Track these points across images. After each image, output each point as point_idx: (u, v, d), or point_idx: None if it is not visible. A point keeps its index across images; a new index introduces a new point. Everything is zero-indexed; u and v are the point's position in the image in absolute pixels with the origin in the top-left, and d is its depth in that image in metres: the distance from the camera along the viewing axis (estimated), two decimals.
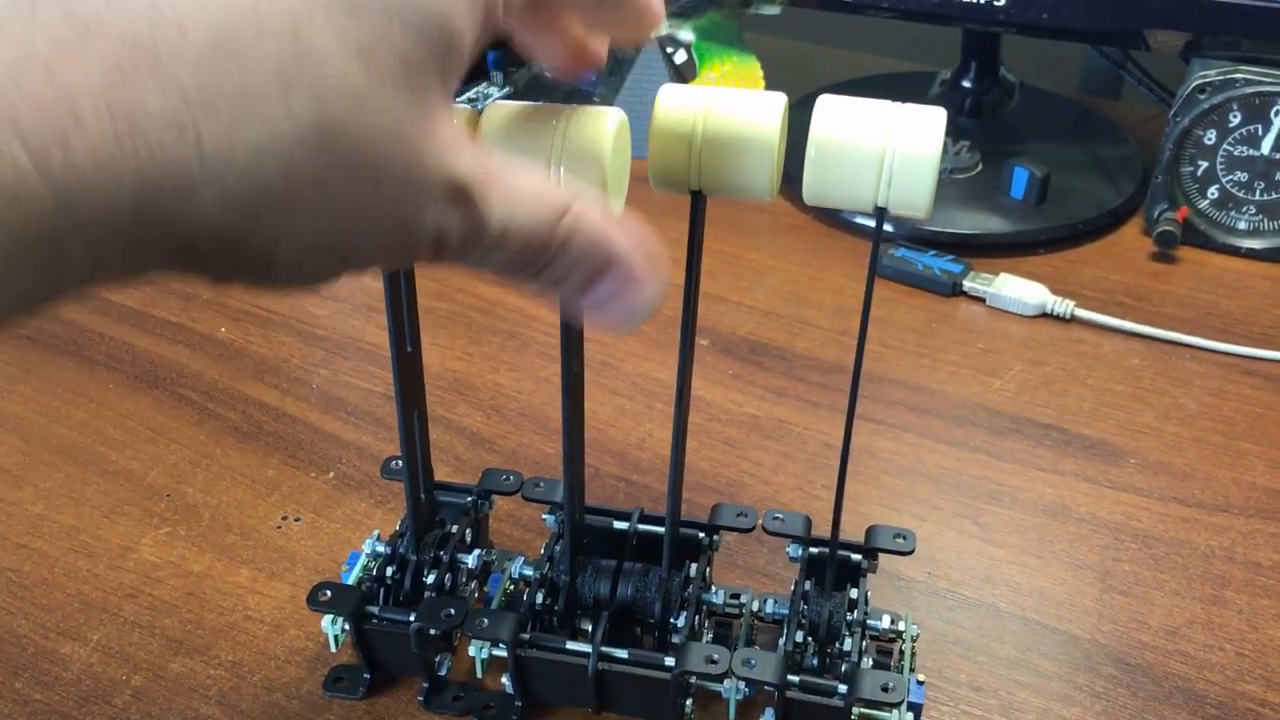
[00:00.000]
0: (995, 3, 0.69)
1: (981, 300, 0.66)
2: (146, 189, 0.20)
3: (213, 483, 0.53)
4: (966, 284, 0.67)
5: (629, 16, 0.28)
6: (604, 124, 0.30)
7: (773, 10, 0.81)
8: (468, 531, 0.46)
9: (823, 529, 0.43)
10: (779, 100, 0.31)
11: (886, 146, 0.30)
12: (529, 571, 0.45)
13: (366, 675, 0.44)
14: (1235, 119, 0.68)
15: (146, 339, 0.63)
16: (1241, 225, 0.70)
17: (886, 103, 0.31)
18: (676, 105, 0.31)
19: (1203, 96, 0.67)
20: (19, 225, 0.19)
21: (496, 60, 0.87)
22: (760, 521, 0.45)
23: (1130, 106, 0.91)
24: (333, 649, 0.45)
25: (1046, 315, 0.65)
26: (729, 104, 0.31)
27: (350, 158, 0.22)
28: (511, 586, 0.46)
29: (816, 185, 0.31)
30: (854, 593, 0.43)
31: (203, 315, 0.65)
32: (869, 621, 0.42)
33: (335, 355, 0.62)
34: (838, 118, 0.31)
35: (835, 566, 0.43)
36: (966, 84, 0.82)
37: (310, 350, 0.62)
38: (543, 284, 0.27)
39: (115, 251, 0.21)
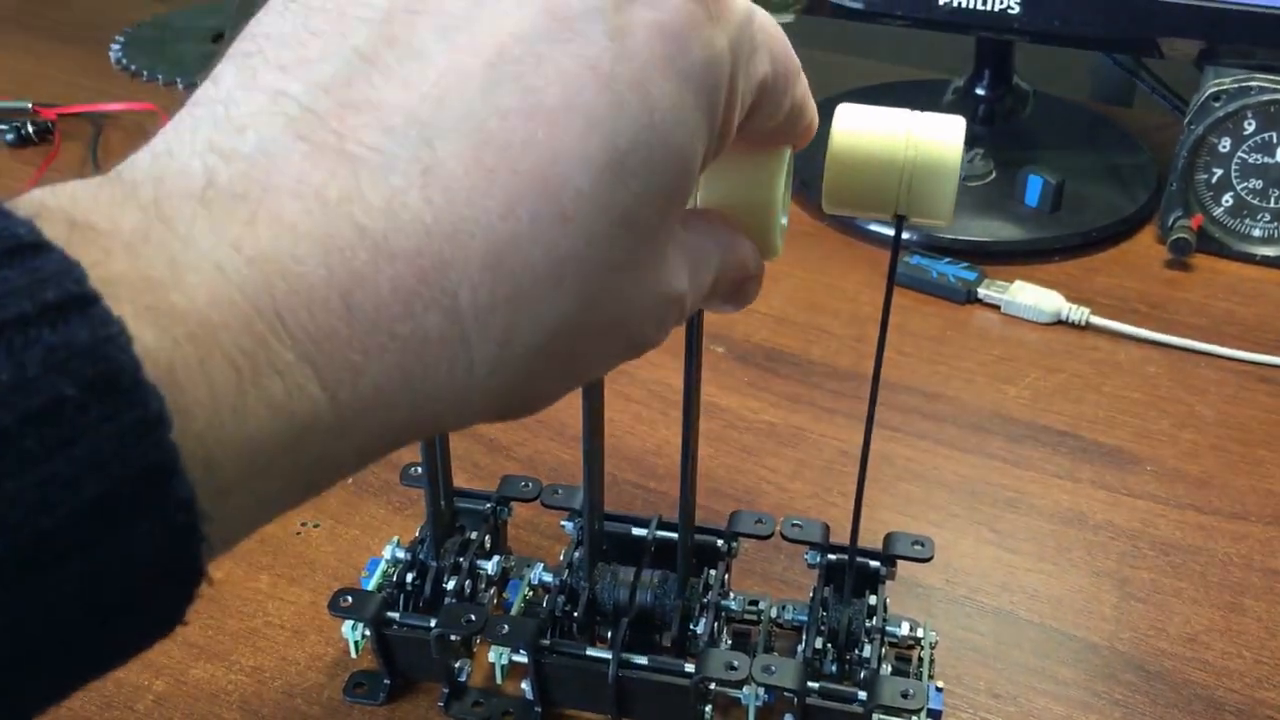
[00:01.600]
0: (1009, 10, 0.70)
1: (996, 308, 0.67)
2: (420, 406, 0.20)
3: None
4: (981, 291, 0.67)
5: (798, 133, 0.29)
6: (769, 165, 0.30)
7: (786, 19, 0.81)
8: (487, 538, 0.46)
9: (840, 535, 0.43)
10: (961, 124, 0.31)
11: (906, 154, 0.30)
12: (548, 578, 0.45)
13: (387, 681, 0.44)
14: (1250, 126, 0.68)
15: None
16: (1256, 233, 0.70)
17: (905, 111, 0.31)
18: (875, 128, 0.31)
19: (1217, 104, 0.67)
20: (305, 452, 0.19)
21: None
22: (779, 528, 0.45)
23: (1143, 114, 0.91)
24: (353, 655, 0.45)
25: (1062, 323, 0.65)
26: (928, 128, 0.30)
27: (603, 324, 0.23)
28: (530, 593, 0.46)
29: (836, 194, 0.31)
30: (873, 599, 0.43)
31: None
32: (888, 628, 0.43)
33: None
34: (857, 126, 0.31)
35: (854, 573, 0.43)
36: (980, 91, 0.82)
37: None
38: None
39: (378, 453, 0.21)
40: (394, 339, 0.19)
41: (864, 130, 0.31)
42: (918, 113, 0.31)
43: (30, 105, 0.84)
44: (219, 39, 0.99)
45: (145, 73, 0.93)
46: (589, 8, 0.21)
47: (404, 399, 0.20)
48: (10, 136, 0.82)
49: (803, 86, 0.28)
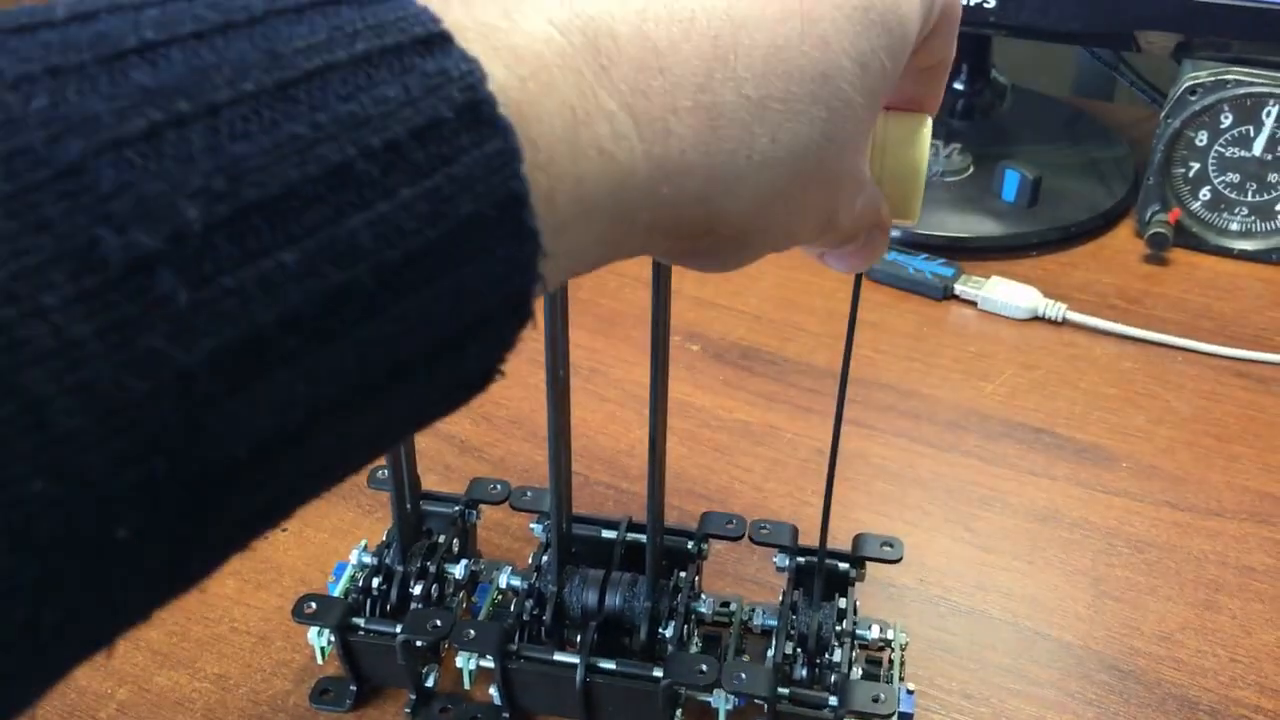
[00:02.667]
0: (985, 4, 0.69)
1: (973, 304, 0.66)
2: (710, 182, 0.22)
3: None
4: (958, 288, 0.66)
5: (937, 94, 0.30)
6: (920, 129, 0.30)
7: None
8: (455, 541, 0.46)
9: (813, 537, 0.43)
10: (928, 122, 0.30)
11: (872, 155, 0.30)
12: (516, 582, 0.44)
13: (353, 687, 0.43)
14: (1227, 120, 0.67)
15: None
16: (1234, 227, 0.70)
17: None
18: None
19: (1194, 98, 0.67)
20: (624, 199, 0.21)
21: None
22: (747, 532, 0.45)
23: (1123, 108, 0.91)
24: (319, 661, 0.44)
25: (1038, 318, 0.65)
26: (895, 126, 0.30)
27: (832, 167, 0.24)
28: (499, 597, 0.45)
29: None
30: (843, 602, 0.43)
31: None
32: (858, 631, 0.42)
33: None
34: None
35: (824, 577, 0.42)
36: (958, 86, 0.82)
37: None
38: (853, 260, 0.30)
39: (660, 233, 0.22)
40: (697, 105, 0.21)
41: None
42: (886, 111, 0.30)
43: None
44: None
45: None
46: None
47: (700, 170, 0.22)
48: None
49: (955, 46, 0.30)
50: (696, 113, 0.21)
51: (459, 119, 0.17)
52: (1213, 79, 0.66)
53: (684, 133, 0.21)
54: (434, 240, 0.16)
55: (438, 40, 0.17)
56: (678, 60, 0.21)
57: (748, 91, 0.22)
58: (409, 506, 0.43)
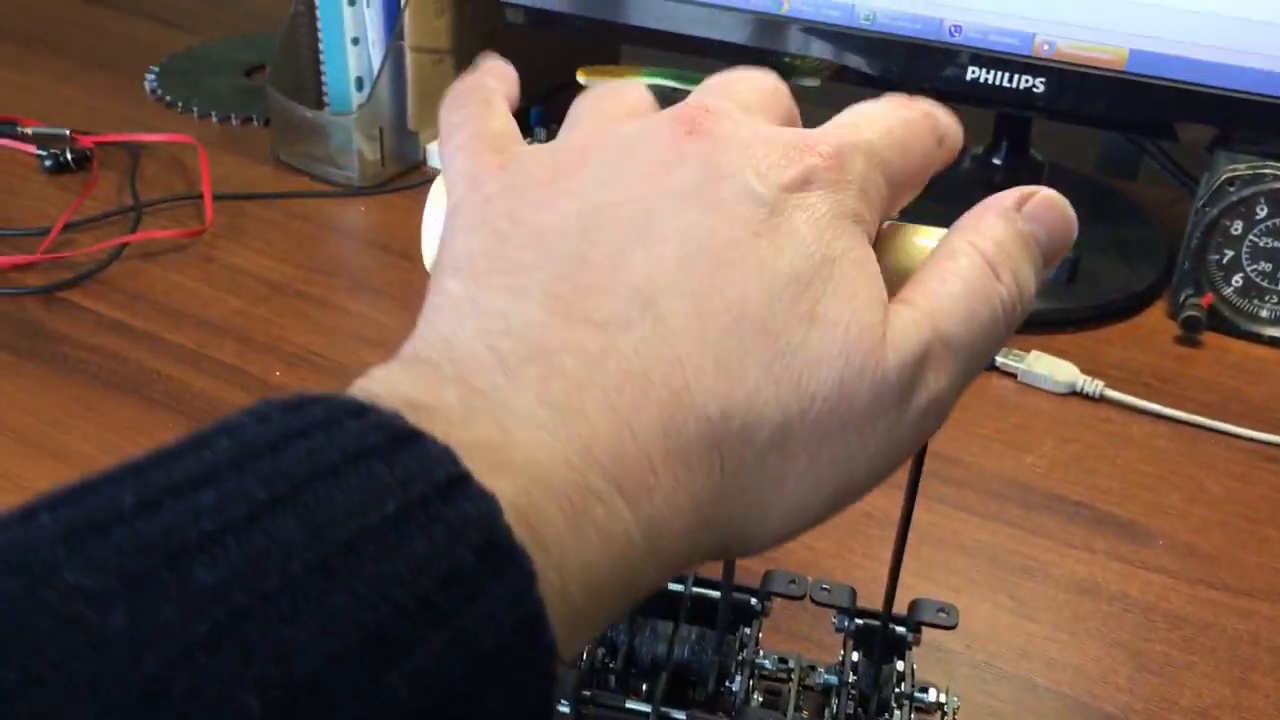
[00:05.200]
0: (1034, 90, 0.72)
1: (1013, 376, 0.68)
2: (700, 513, 0.24)
3: None
4: (999, 359, 0.69)
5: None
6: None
7: (813, 83, 0.83)
8: None
9: (865, 596, 0.45)
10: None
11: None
12: None
13: None
14: (1262, 211, 0.70)
15: (203, 380, 0.65)
16: (1264, 313, 0.73)
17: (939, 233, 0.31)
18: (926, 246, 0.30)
19: (1232, 189, 0.70)
20: (627, 569, 0.22)
21: (539, 116, 0.89)
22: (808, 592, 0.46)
23: (1148, 188, 0.94)
24: None
25: (1077, 394, 0.67)
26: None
27: (831, 421, 0.25)
28: None
29: None
30: (900, 665, 0.44)
31: (259, 359, 0.67)
32: (916, 694, 0.44)
33: None
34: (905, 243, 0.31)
35: (887, 641, 0.44)
36: (996, 161, 0.84)
37: None
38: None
39: (674, 567, 0.24)
40: (670, 454, 0.23)
41: (913, 252, 0.31)
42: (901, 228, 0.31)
43: (68, 132, 0.86)
44: (252, 73, 1.01)
45: (180, 104, 0.95)
46: (739, 195, 0.26)
47: (689, 507, 0.23)
48: (49, 163, 0.84)
49: (929, 163, 0.30)
50: (671, 460, 0.23)
51: (479, 560, 0.19)
52: (1251, 172, 0.69)
53: (666, 483, 0.23)
54: (460, 677, 0.18)
55: (456, 483, 0.19)
56: (646, 420, 0.23)
57: (711, 415, 0.23)
58: None
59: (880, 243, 0.31)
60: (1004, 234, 0.28)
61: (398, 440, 0.19)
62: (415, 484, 0.19)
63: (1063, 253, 0.30)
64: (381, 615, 0.17)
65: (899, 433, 0.26)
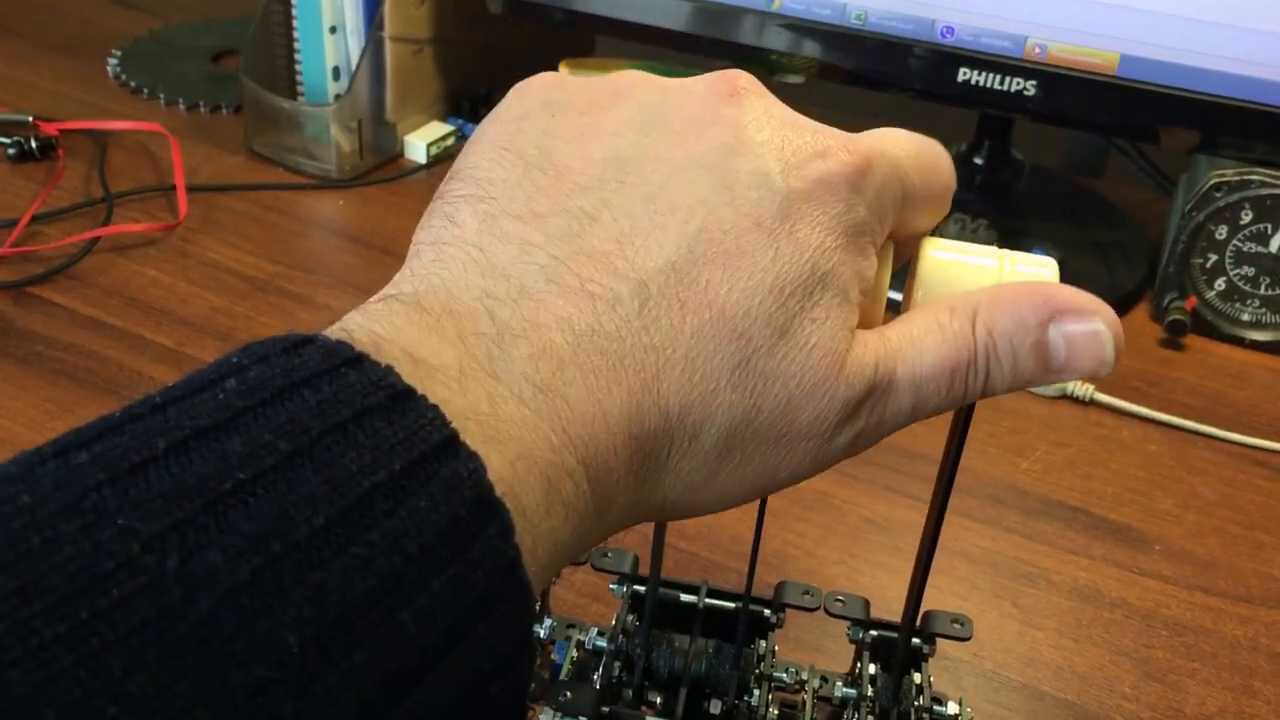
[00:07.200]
0: (1025, 93, 0.72)
1: None
2: (641, 490, 0.26)
3: None
4: None
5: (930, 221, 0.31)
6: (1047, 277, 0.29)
7: (797, 80, 0.83)
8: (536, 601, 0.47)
9: (878, 607, 0.44)
10: (1054, 267, 0.30)
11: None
12: (602, 643, 0.45)
13: None
14: (1247, 216, 0.71)
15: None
16: (1245, 317, 0.74)
17: (997, 250, 0.31)
18: (976, 262, 0.30)
19: (1218, 195, 0.70)
20: (584, 538, 0.25)
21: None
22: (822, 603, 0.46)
23: (1119, 187, 0.95)
24: None
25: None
26: (1024, 268, 0.30)
27: (770, 431, 0.26)
28: (575, 654, 0.46)
29: None
30: (917, 677, 0.44)
31: None
32: (935, 707, 0.44)
33: None
34: (947, 274, 0.31)
35: (907, 654, 0.44)
36: (978, 160, 0.85)
37: None
38: (991, 389, 0.28)
39: (613, 532, 0.26)
40: (631, 438, 0.25)
41: (953, 280, 0.30)
42: (1011, 253, 0.31)
43: (31, 119, 0.83)
44: (220, 58, 0.98)
45: (145, 90, 0.92)
46: (756, 179, 0.26)
47: (633, 485, 0.26)
48: (13, 151, 0.81)
49: (948, 192, 0.31)
50: (631, 445, 0.25)
51: (471, 513, 0.21)
52: (1238, 178, 0.70)
53: (622, 463, 0.25)
54: (458, 614, 0.20)
55: (449, 445, 0.21)
56: (615, 405, 0.25)
57: (671, 409, 0.25)
58: None
59: (918, 250, 0.31)
60: (1019, 332, 0.27)
61: (397, 398, 0.21)
62: (415, 444, 0.21)
63: (1075, 378, 0.28)
64: (393, 563, 0.19)
65: (825, 453, 0.27)
